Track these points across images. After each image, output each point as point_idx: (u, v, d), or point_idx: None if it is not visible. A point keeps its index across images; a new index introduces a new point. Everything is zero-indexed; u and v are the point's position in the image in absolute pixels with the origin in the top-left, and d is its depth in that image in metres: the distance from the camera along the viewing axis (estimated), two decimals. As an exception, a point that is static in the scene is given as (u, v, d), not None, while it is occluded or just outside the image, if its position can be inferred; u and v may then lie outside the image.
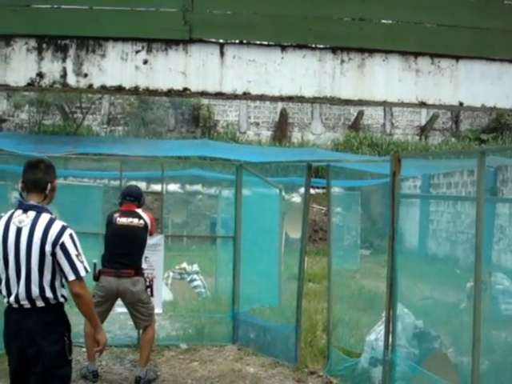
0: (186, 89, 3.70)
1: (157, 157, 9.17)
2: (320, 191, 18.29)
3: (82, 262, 3.41)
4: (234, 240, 6.84)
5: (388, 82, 3.79)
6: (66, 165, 12.67)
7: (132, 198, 5.81)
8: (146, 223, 5.73)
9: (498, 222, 13.21)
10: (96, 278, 5.56)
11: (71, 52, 3.69)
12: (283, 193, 10.43)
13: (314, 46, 3.76)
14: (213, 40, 3.73)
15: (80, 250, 3.42)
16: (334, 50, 3.77)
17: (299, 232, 6.27)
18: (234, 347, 6.81)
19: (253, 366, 6.15)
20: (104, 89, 3.74)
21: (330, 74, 3.77)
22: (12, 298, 3.40)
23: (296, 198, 17.90)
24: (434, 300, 9.19)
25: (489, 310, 8.48)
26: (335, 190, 18.85)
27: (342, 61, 3.78)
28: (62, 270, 3.38)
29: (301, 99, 3.79)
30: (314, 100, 3.82)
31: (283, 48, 3.75)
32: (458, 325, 6.59)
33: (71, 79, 3.68)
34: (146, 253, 5.74)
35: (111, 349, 6.56)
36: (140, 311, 5.64)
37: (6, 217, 3.47)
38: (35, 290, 3.36)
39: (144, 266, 5.72)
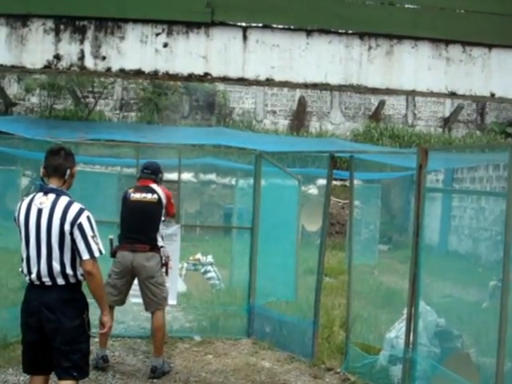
0: (206, 74, 3.70)
1: (172, 144, 9.18)
2: (338, 183, 18.23)
3: (97, 244, 3.70)
4: (251, 231, 6.84)
5: (417, 70, 3.75)
6: (78, 151, 12.73)
7: (149, 171, 5.82)
8: (159, 198, 5.72)
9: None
10: (113, 254, 5.66)
11: (89, 34, 3.69)
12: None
13: (340, 31, 3.73)
14: (235, 23, 3.71)
15: (96, 233, 3.71)
16: (361, 35, 3.74)
17: (315, 225, 6.28)
18: (249, 341, 6.84)
19: (268, 360, 6.18)
20: (123, 72, 3.74)
21: (357, 61, 3.74)
22: (34, 276, 3.68)
23: (313, 190, 17.86)
24: (456, 298, 9.16)
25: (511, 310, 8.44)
26: (354, 182, 18.82)
27: (370, 47, 3.75)
28: (77, 249, 3.66)
29: (326, 87, 3.77)
30: (339, 88, 3.80)
31: (308, 33, 3.72)
32: (480, 324, 6.57)
33: (89, 62, 3.69)
34: (163, 243, 5.76)
35: (124, 340, 6.63)
36: (152, 290, 5.63)
37: (28, 199, 3.79)
38: (56, 267, 3.64)
39: (160, 243, 5.71)
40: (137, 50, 3.72)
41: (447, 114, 24.33)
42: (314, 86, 3.74)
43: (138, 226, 5.65)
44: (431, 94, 3.85)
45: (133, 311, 7.15)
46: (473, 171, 15.55)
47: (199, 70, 3.70)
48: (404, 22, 3.77)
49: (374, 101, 23.93)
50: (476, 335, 6.32)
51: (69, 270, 3.67)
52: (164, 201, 5.77)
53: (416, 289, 4.62)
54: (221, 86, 22.28)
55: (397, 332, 5.30)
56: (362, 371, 5.52)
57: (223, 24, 3.72)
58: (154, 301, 5.68)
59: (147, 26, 3.72)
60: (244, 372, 5.78)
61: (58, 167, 3.78)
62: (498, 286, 8.91)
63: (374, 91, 3.81)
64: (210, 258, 9.61)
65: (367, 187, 17.57)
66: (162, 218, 5.84)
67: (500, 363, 3.88)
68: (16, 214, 3.81)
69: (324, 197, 6.27)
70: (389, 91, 3.78)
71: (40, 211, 3.69)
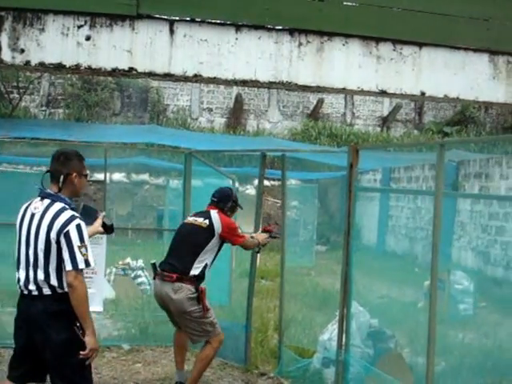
0: (131, 69, 3.66)
1: (100, 142, 9.03)
2: (276, 183, 18.40)
3: (83, 255, 3.56)
4: (182, 234, 6.82)
5: (348, 68, 3.84)
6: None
7: (215, 199, 5.52)
8: (210, 224, 5.28)
9: (459, 219, 13.59)
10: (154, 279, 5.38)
11: (7, 25, 3.60)
12: (237, 184, 10.46)
13: (270, 26, 3.77)
14: (162, 16, 3.70)
15: (86, 243, 3.58)
16: (291, 31, 3.79)
17: (253, 226, 6.31)
18: (180, 348, 6.80)
19: (200, 367, 6.16)
20: (42, 66, 3.66)
21: (287, 58, 3.79)
22: (22, 283, 3.65)
23: (250, 190, 17.94)
24: (392, 298, 9.40)
25: (446, 309, 8.74)
26: (291, 182, 19.03)
27: (300, 44, 3.81)
28: (62, 259, 3.56)
29: (255, 84, 3.80)
30: (269, 85, 3.84)
31: (238, 28, 3.75)
32: (415, 324, 6.77)
33: (6, 55, 3.59)
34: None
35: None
36: (188, 325, 5.20)
37: (27, 203, 3.77)
38: (40, 276, 3.57)
39: (194, 272, 5.15)
40: (57, 42, 3.64)
41: (385, 113, 24.94)
42: (244, 82, 3.77)
43: (176, 250, 5.33)
44: (362, 92, 3.95)
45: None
46: (409, 170, 16.01)
47: (124, 65, 3.66)
48: (334, 18, 3.85)
49: (313, 99, 24.25)
50: (411, 335, 6.51)
51: (53, 281, 3.57)
52: (218, 229, 5.27)
53: (348, 289, 4.71)
54: (154, 82, 22.05)
55: (330, 334, 5.38)
56: (295, 375, 5.58)
57: (149, 17, 3.69)
58: (195, 334, 5.25)
59: (69, 17, 3.66)
60: (174, 380, 5.74)
61: (53, 172, 3.74)
62: (434, 285, 9.28)
63: (305, 88, 3.87)
64: (140, 263, 9.50)
65: (305, 187, 17.81)
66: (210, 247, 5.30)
67: (430, 363, 4.01)
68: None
69: (256, 196, 6.30)
70: (319, 89, 3.85)
71: (33, 216, 3.66)
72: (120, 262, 9.53)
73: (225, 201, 5.50)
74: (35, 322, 3.59)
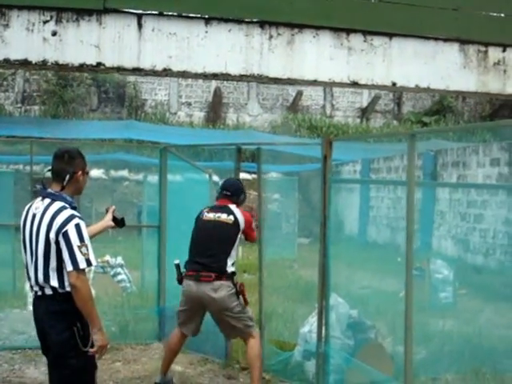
0: (99, 63, 3.64)
1: (77, 139, 8.96)
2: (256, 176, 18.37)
3: (84, 254, 3.51)
4: (158, 230, 6.80)
5: (319, 59, 3.84)
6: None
7: (229, 192, 5.33)
8: (236, 220, 5.20)
9: (438, 208, 13.70)
10: (180, 281, 5.22)
11: (-30, 21, 3.55)
12: (216, 178, 10.43)
13: (240, 19, 3.76)
14: (130, 10, 3.67)
15: (86, 242, 3.54)
16: (261, 24, 3.79)
17: (233, 220, 6.27)
18: (160, 345, 6.75)
19: (180, 364, 6.12)
20: (7, 63, 3.61)
21: (258, 51, 3.78)
22: (32, 283, 3.67)
23: (231, 184, 17.89)
24: (374, 289, 9.45)
25: (427, 298, 8.82)
26: (273, 175, 19.04)
27: (271, 36, 3.80)
28: (62, 260, 3.53)
29: (226, 77, 3.79)
30: (240, 78, 3.83)
31: (207, 21, 3.73)
32: (397, 314, 6.82)
33: (-31, 51, 3.55)
34: None
35: (25, 351, 6.39)
36: (229, 322, 5.14)
37: (29, 204, 3.77)
38: (40, 277, 3.56)
39: (230, 269, 5.13)
40: (23, 38, 3.60)
41: (365, 104, 25.05)
42: (214, 76, 3.75)
43: (207, 249, 5.15)
44: (333, 84, 3.95)
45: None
46: (389, 161, 16.10)
47: (91, 60, 3.63)
48: (305, 10, 3.84)
49: (292, 91, 24.27)
50: (392, 325, 6.54)
51: (53, 281, 3.54)
52: (242, 224, 5.23)
53: (326, 281, 4.72)
54: (132, 77, 21.91)
55: (310, 326, 5.40)
56: (276, 368, 5.56)
57: (116, 11, 3.66)
58: (235, 331, 5.22)
59: (34, 12, 3.62)
60: (154, 378, 5.68)
61: (58, 172, 3.68)
62: (415, 274, 9.34)
63: (276, 81, 3.87)
64: (119, 260, 9.45)
65: (286, 180, 17.83)
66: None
67: (408, 351, 4.03)
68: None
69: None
70: (290, 81, 3.85)
71: (34, 217, 3.64)
72: (99, 260, 9.47)
73: (238, 194, 5.38)
74: (41, 321, 3.65)
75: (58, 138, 8.91)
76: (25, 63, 3.60)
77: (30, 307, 5.92)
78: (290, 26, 3.81)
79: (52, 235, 3.50)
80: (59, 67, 3.65)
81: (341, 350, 5.11)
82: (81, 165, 3.75)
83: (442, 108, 23.55)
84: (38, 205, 3.65)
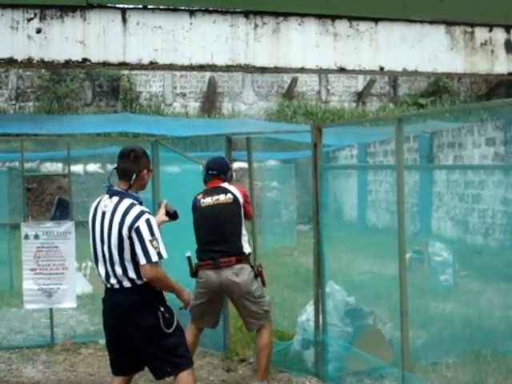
0: (85, 59, 3.64)
1: (73, 134, 8.94)
2: (255, 165, 18.36)
3: (155, 248, 3.72)
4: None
5: (305, 47, 3.84)
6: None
7: (215, 171, 5.14)
8: (235, 197, 5.04)
9: (436, 189, 13.70)
10: (193, 274, 5.07)
11: (-46, 21, 3.55)
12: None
13: (224, 10, 3.76)
14: (114, 5, 3.66)
15: (156, 236, 3.75)
16: (246, 14, 3.78)
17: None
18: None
19: (179, 357, 6.15)
20: (-8, 62, 3.61)
21: (244, 40, 3.78)
22: (103, 277, 3.86)
23: (228, 174, 17.87)
24: (373, 274, 9.46)
25: (427, 281, 8.83)
26: (270, 163, 19.01)
27: (256, 26, 3.80)
28: (136, 254, 3.72)
29: (213, 68, 3.79)
30: (227, 69, 3.83)
31: (191, 13, 3.73)
32: (396, 299, 6.84)
33: (-46, 51, 3.55)
34: (56, 242, 5.55)
35: (22, 350, 6.42)
36: (250, 308, 4.99)
37: (96, 202, 3.97)
38: (118, 270, 3.75)
39: (247, 249, 5.04)
40: (7, 36, 3.60)
41: (360, 88, 24.96)
42: (201, 67, 3.75)
43: (217, 234, 4.98)
44: (320, 71, 3.95)
45: (32, 318, 6.93)
46: (385, 144, 16.08)
47: (77, 56, 3.63)
48: (289, -2, 3.83)
49: (287, 78, 24.17)
50: (393, 310, 6.56)
51: (131, 274, 3.75)
52: (241, 200, 5.07)
53: (321, 268, 4.74)
54: (125, 70, 21.82)
55: (308, 315, 5.42)
56: (275, 358, 5.53)
57: (100, 6, 3.66)
58: (255, 317, 5.05)
59: (17, 10, 3.61)
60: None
61: (124, 171, 3.90)
62: (414, 257, 9.36)
63: (263, 70, 3.87)
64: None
65: (282, 167, 17.81)
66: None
67: (405, 336, 4.07)
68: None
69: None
70: (278, 70, 3.85)
71: (104, 214, 3.82)
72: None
73: (225, 171, 5.20)
74: (121, 313, 3.80)
75: (53, 133, 8.89)
76: (10, 61, 3.60)
77: (28, 306, 6.01)
78: (275, 14, 3.81)
79: (125, 231, 3.71)
80: (45, 64, 3.65)
81: (339, 338, 5.13)
82: (146, 163, 3.98)
83: (437, 89, 23.47)
84: (107, 203, 3.84)
